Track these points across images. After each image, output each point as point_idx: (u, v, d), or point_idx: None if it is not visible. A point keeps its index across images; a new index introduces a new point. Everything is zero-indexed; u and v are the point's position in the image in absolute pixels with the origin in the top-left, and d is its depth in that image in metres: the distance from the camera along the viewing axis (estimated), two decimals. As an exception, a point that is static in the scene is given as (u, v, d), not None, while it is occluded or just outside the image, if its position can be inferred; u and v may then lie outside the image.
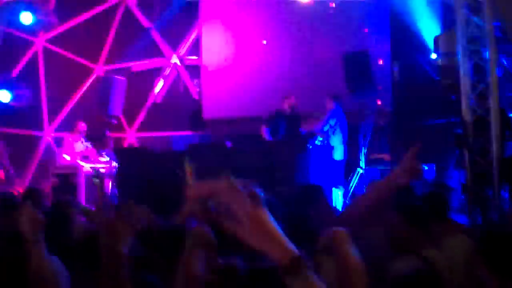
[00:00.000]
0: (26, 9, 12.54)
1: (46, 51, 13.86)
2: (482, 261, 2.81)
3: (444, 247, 3.88)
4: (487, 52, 9.02)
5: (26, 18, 12.56)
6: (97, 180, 6.82)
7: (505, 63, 10.28)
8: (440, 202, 4.74)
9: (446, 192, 6.39)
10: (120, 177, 10.12)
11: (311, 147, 10.01)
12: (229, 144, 10.62)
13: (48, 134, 13.85)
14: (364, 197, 3.77)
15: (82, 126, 11.91)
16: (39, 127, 13.79)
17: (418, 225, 3.81)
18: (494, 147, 8.69)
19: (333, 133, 10.35)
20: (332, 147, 10.29)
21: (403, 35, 11.59)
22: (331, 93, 10.67)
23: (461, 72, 9.19)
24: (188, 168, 6.76)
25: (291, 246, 1.76)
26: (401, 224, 3.79)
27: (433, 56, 11.03)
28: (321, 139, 10.47)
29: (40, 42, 13.77)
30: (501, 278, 2.72)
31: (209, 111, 13.58)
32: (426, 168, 10.00)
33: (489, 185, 8.68)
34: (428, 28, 11.43)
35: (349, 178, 11.09)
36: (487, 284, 2.76)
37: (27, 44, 13.59)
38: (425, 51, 11.38)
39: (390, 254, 3.65)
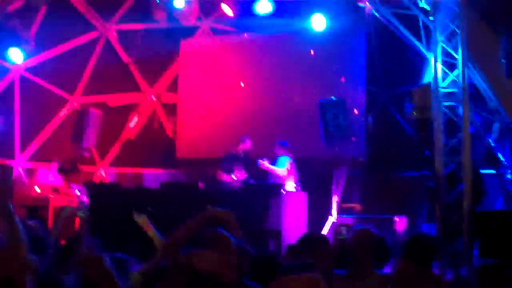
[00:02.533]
0: (6, 37, 12.47)
1: (23, 79, 13.78)
2: None
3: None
4: (461, 108, 9.23)
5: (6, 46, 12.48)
6: (82, 215, 6.71)
7: (478, 120, 10.50)
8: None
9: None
10: (90, 212, 10.02)
11: (284, 192, 10.03)
12: (201, 185, 10.63)
13: (19, 164, 13.68)
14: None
15: (56, 159, 11.87)
16: (10, 156, 13.62)
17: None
18: (466, 201, 8.82)
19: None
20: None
21: (378, 85, 11.80)
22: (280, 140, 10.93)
23: (435, 126, 9.38)
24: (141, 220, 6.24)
25: None
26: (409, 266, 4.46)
27: (407, 108, 11.22)
28: (294, 184, 10.54)
29: (17, 70, 13.70)
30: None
31: (183, 150, 13.57)
32: (397, 219, 10.09)
33: (459, 239, 8.78)
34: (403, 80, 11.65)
35: (321, 226, 11.12)
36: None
37: (4, 71, 13.50)
38: (399, 103, 11.56)
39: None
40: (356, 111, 11.80)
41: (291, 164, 10.81)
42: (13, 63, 12.59)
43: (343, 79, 12.18)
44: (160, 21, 13.11)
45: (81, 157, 12.48)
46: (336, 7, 11.43)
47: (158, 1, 12.66)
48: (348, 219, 10.67)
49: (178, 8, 12.46)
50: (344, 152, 11.56)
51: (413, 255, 4.52)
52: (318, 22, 11.57)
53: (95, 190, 10.59)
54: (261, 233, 9.35)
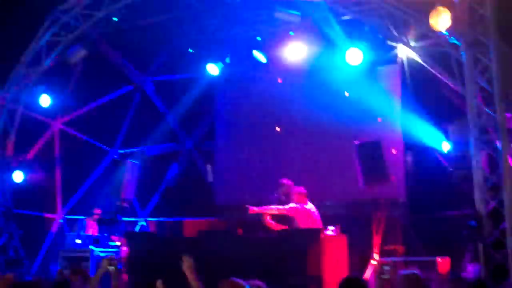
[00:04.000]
0: (44, 92, 12.78)
1: (63, 133, 14.08)
2: None
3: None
4: (499, 143, 9.07)
5: (45, 101, 12.79)
6: (112, 268, 6.73)
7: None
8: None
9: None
10: (130, 261, 10.09)
11: (323, 236, 9.92)
12: (240, 231, 10.60)
13: (60, 217, 13.89)
14: None
15: (97, 211, 12.01)
16: (52, 210, 13.85)
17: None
18: (509, 239, 8.60)
19: None
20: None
21: (415, 124, 11.68)
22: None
23: (474, 163, 9.21)
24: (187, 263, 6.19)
25: None
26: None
27: (445, 145, 11.08)
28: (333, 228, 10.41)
29: (56, 125, 14.00)
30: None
31: (222, 197, 13.60)
32: (439, 260, 9.86)
33: (505, 279, 8.53)
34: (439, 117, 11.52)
35: (363, 269, 10.95)
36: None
37: (44, 126, 13.83)
38: (436, 141, 11.42)
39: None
40: (394, 151, 11.69)
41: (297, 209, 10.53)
42: (52, 118, 12.89)
43: (379, 119, 12.10)
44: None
45: (121, 208, 12.59)
46: (370, 44, 11.45)
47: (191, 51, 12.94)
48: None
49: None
50: (383, 193, 11.43)
51: None
52: (354, 56, 11.51)
53: (133, 239, 10.65)
54: (302, 279, 9.24)
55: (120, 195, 12.49)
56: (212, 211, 13.57)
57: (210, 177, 13.60)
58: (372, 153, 10.93)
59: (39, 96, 12.70)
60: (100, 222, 11.94)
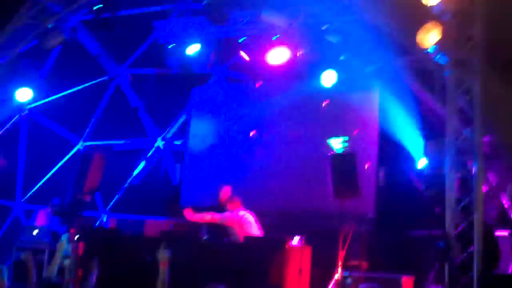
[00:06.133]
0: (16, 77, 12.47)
1: (29, 120, 13.80)
2: None
3: None
4: (475, 166, 9.00)
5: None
6: (66, 262, 6.56)
7: (491, 179, 10.27)
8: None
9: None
10: (83, 257, 9.81)
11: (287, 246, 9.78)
12: (204, 235, 10.43)
13: (18, 205, 13.59)
14: None
15: (56, 201, 11.70)
16: (11, 197, 13.55)
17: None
18: (476, 263, 8.52)
19: None
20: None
21: (390, 140, 11.62)
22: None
23: (447, 183, 9.14)
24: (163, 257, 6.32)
25: None
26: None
27: (421, 162, 11.02)
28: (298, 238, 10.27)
29: (23, 111, 13.72)
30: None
31: (188, 198, 13.40)
32: (403, 279, 9.76)
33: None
34: (415, 136, 11.48)
35: (326, 282, 10.81)
36: None
37: (11, 111, 13.50)
38: (411, 158, 11.37)
39: None
40: (367, 165, 11.59)
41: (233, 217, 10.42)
42: (20, 103, 12.58)
43: (355, 132, 12.01)
44: (172, 69, 13.13)
45: (82, 201, 12.29)
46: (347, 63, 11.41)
47: (170, 47, 12.70)
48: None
49: (190, 55, 12.43)
50: (352, 207, 11.29)
51: None
52: (329, 78, 11.52)
53: (92, 235, 10.40)
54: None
55: (83, 188, 12.19)
56: (176, 211, 13.36)
57: (178, 177, 13.42)
58: (345, 166, 10.81)
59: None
60: (58, 214, 11.62)
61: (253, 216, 10.35)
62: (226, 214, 10.25)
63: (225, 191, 10.85)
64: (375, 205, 11.61)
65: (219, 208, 10.59)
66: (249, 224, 10.23)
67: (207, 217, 10.31)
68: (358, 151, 11.18)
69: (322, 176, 11.26)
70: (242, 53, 12.69)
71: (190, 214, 10.45)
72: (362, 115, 12.04)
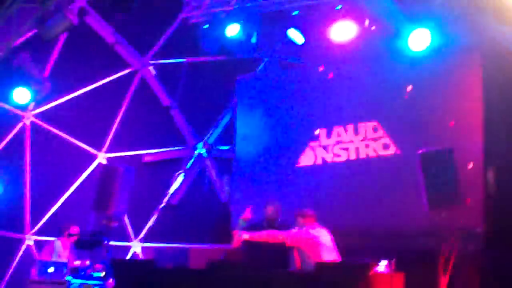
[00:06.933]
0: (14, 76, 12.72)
1: (35, 128, 14.05)
2: None
3: None
4: None
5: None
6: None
7: None
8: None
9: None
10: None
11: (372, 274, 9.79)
12: (263, 266, 10.47)
13: (29, 236, 13.88)
14: None
15: (74, 229, 11.90)
16: (18, 228, 13.82)
17: None
18: None
19: None
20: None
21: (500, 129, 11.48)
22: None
23: None
24: None
25: None
26: None
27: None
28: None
29: (27, 117, 13.99)
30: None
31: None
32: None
33: None
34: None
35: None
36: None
37: (12, 119, 13.80)
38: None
39: None
40: (470, 165, 11.48)
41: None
42: (19, 106, 12.84)
43: (451, 123, 11.92)
44: (209, 55, 13.25)
45: (108, 227, 12.50)
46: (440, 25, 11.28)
47: (205, 28, 12.81)
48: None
49: (231, 37, 12.51)
50: (454, 220, 11.22)
51: None
52: (419, 40, 11.39)
53: (123, 270, 10.54)
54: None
55: (107, 210, 12.38)
56: (226, 236, 13.45)
57: (226, 192, 13.50)
58: (440, 167, 10.75)
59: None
60: (78, 245, 11.82)
61: (329, 235, 10.27)
62: (292, 231, 10.20)
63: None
64: (484, 216, 11.48)
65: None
66: (322, 246, 10.17)
67: (264, 235, 10.27)
68: (457, 147, 11.09)
69: (411, 182, 11.21)
70: (293, 32, 12.71)
71: (240, 236, 10.43)
72: (461, 99, 11.90)
